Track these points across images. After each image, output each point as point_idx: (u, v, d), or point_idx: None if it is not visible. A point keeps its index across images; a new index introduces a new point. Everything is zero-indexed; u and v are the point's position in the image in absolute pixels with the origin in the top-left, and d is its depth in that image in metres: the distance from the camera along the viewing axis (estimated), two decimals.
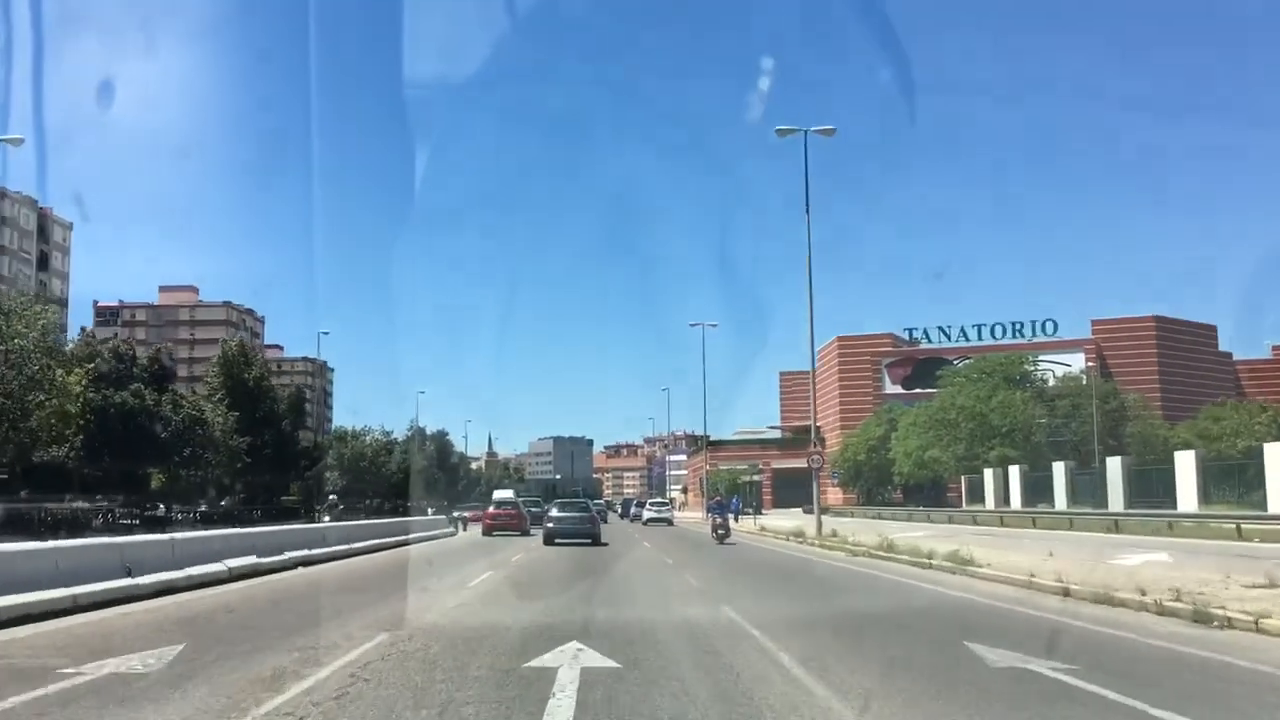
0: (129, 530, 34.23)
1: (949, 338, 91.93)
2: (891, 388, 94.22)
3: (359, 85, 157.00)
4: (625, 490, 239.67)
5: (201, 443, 52.20)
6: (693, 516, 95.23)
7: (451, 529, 43.55)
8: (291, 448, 66.11)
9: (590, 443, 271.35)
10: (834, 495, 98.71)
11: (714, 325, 72.68)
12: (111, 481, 48.25)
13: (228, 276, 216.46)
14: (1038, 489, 52.58)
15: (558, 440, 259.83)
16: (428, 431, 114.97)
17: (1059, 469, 50.55)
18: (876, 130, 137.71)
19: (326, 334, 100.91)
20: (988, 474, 58.21)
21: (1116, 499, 43.27)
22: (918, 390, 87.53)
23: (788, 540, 32.38)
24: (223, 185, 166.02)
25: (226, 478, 60.16)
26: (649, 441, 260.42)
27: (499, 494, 53.23)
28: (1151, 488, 43.20)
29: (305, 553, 21.51)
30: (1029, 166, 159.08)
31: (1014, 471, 54.80)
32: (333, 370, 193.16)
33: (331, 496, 73.40)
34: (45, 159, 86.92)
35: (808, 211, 31.89)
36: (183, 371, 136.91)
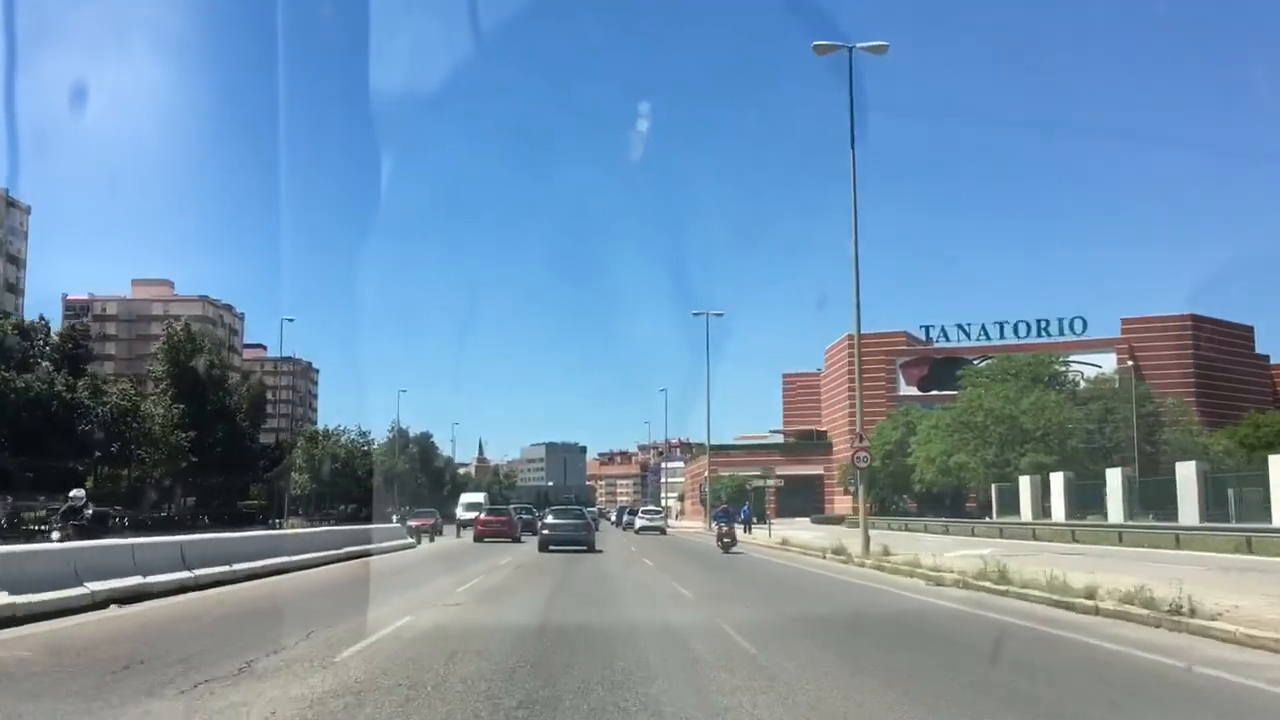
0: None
1: (968, 336, 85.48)
2: (907, 389, 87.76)
3: (327, 98, 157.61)
4: (619, 498, 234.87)
5: (135, 438, 45.68)
6: (692, 526, 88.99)
7: (412, 540, 37.07)
8: (247, 446, 59.56)
9: (583, 450, 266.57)
10: (842, 503, 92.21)
11: (719, 314, 66.79)
12: (24, 481, 41.70)
13: (199, 282, 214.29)
14: (1084, 498, 46.23)
15: (550, 446, 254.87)
16: (410, 433, 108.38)
17: (1114, 476, 44.16)
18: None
19: (291, 320, 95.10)
20: (1023, 482, 51.77)
21: (1190, 511, 36.87)
22: (934, 392, 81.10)
23: (825, 558, 25.92)
24: (196, 191, 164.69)
25: (169, 478, 53.57)
26: (643, 449, 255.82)
27: (467, 498, 46.81)
28: (1223, 497, 36.95)
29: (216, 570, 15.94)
30: (1043, 159, 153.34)
31: (1056, 479, 48.39)
32: (318, 371, 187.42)
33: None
34: (18, 160, 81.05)
35: (853, 146, 25.61)
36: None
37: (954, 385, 77.07)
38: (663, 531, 56.25)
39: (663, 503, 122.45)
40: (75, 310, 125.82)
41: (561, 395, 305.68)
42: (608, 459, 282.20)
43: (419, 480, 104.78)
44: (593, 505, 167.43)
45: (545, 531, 32.17)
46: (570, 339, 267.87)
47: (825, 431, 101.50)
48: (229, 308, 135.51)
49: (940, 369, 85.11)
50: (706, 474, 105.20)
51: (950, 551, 21.01)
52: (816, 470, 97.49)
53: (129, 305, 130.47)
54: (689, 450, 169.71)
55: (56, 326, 58.78)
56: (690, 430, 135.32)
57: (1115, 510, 42.49)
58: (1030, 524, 46.02)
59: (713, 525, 38.24)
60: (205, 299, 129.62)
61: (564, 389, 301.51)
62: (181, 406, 50.85)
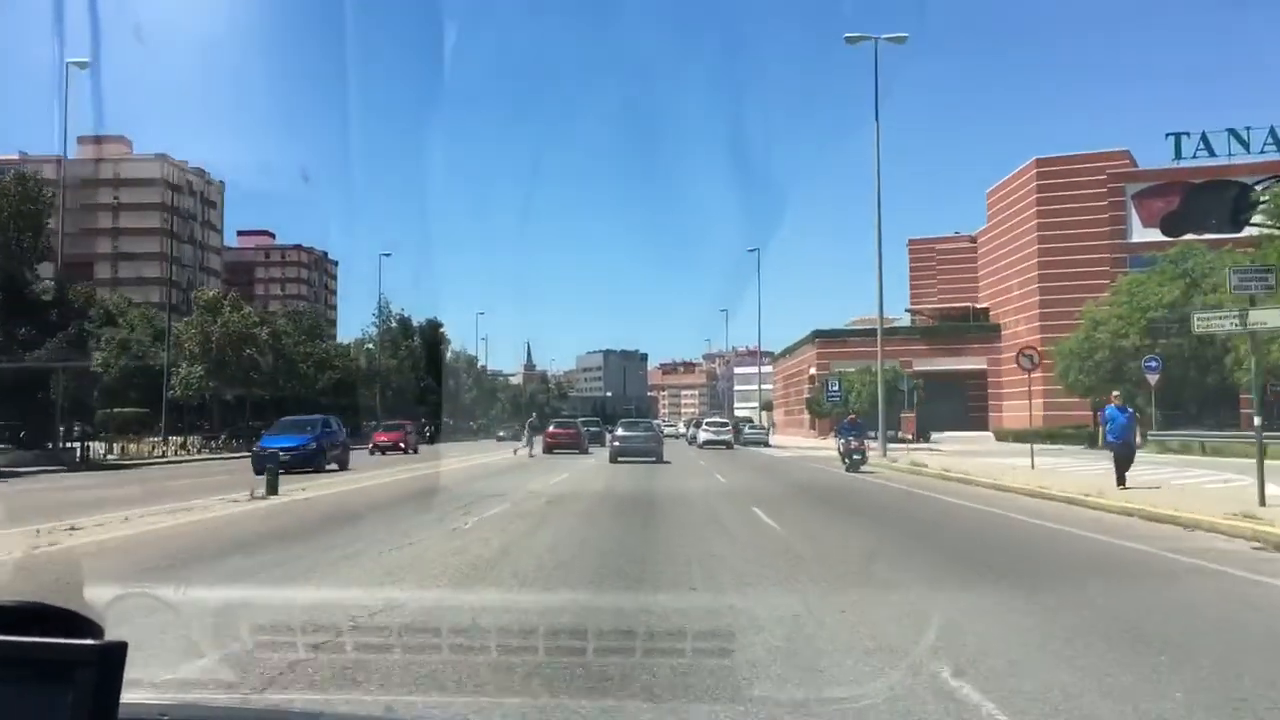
0: None
1: (1246, 147, 54.16)
2: (1144, 233, 57.12)
3: None
4: (684, 409, 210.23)
5: None
6: (796, 442, 61.38)
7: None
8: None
9: (644, 357, 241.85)
10: (1014, 414, 62.98)
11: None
12: None
13: (259, 163, 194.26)
14: None
15: (608, 354, 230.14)
16: (411, 321, 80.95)
17: None
18: None
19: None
20: None
21: None
22: (1192, 238, 50.17)
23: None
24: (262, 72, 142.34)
25: None
26: (708, 358, 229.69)
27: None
28: None
29: None
30: None
31: None
32: (335, 264, 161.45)
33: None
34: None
35: None
36: (104, 247, 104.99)
37: (1232, 221, 46.82)
38: (729, 446, 48.42)
39: (733, 413, 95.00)
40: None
41: (621, 301, 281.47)
42: (670, 368, 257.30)
43: (421, 382, 77.71)
44: (654, 417, 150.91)
45: (616, 444, 32.57)
46: (632, 232, 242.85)
47: (986, 310, 71.43)
48: (201, 172, 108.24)
49: (1202, 199, 54.32)
50: (812, 369, 76.23)
51: None
52: (972, 365, 67.97)
53: (71, 166, 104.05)
54: (755, 357, 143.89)
55: None
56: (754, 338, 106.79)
57: None
58: None
59: (839, 441, 28.11)
60: (164, 157, 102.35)
61: (624, 294, 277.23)
62: None
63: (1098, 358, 44.70)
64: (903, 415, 51.99)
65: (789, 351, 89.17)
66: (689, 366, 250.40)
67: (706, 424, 55.53)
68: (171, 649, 5.19)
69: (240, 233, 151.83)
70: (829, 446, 46.83)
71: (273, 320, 52.96)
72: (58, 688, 1.20)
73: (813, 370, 75.99)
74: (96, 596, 6.36)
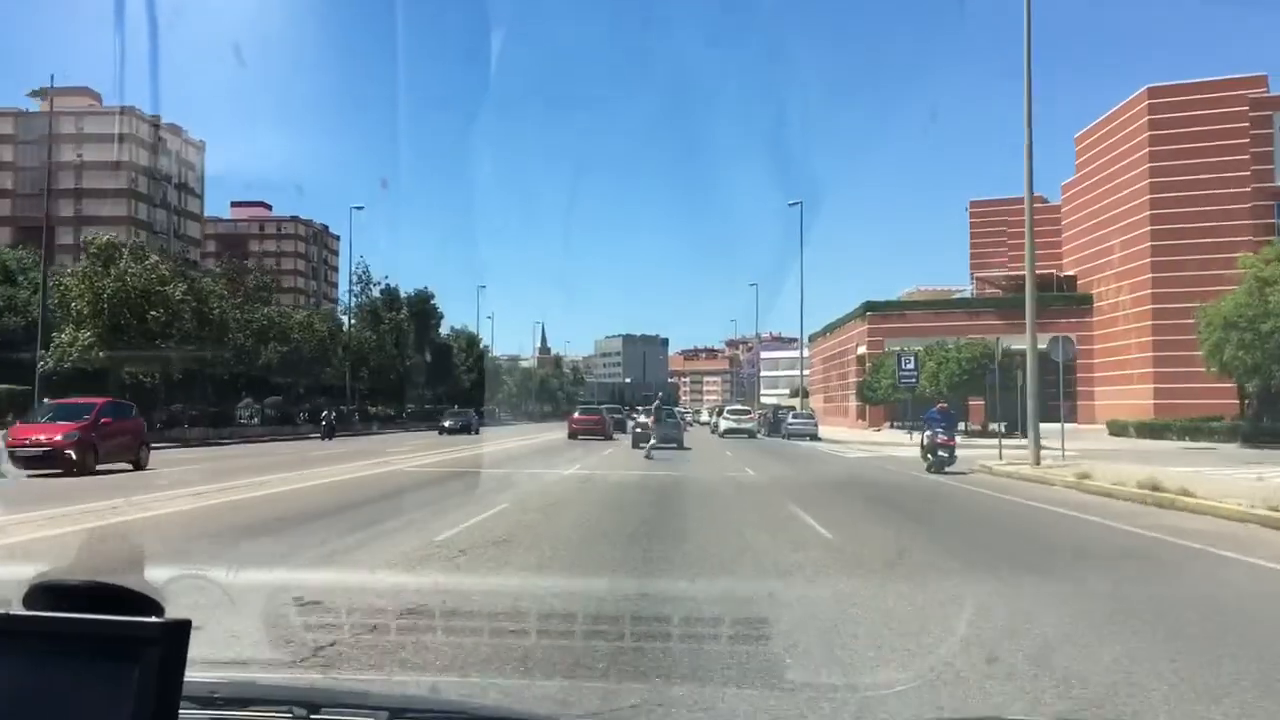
0: None
1: None
2: None
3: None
4: (706, 397, 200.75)
5: None
6: (845, 434, 50.22)
7: None
8: None
9: (665, 342, 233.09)
10: (1112, 401, 51.90)
11: None
12: None
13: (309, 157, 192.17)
14: None
15: (627, 339, 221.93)
16: (399, 292, 70.60)
17: None
18: None
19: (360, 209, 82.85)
20: None
21: None
22: None
23: None
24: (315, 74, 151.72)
25: None
26: (731, 344, 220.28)
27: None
28: None
29: None
30: None
31: None
32: (337, 238, 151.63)
33: None
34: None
35: None
36: (67, 210, 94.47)
37: None
38: (752, 435, 46.89)
39: (758, 400, 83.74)
40: None
41: (643, 287, 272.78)
42: (692, 354, 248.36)
43: (407, 359, 67.42)
44: (676, 404, 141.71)
45: (638, 430, 31.83)
46: (660, 221, 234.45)
47: (1072, 277, 60.05)
48: (177, 129, 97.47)
49: None
50: (862, 348, 65.00)
51: None
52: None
53: (26, 121, 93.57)
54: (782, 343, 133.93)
55: None
56: (785, 324, 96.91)
57: None
58: None
59: (925, 434, 22.24)
60: (132, 110, 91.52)
61: (646, 280, 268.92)
62: None
63: (1266, 327, 33.44)
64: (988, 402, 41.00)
65: (831, 330, 77.64)
66: (711, 353, 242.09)
67: (728, 412, 53.07)
68: (219, 627, 5.20)
69: (234, 203, 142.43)
70: (894, 441, 36.17)
71: (193, 276, 42.27)
72: (125, 664, 1.22)
73: (862, 349, 64.74)
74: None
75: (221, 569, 7.12)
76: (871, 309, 64.13)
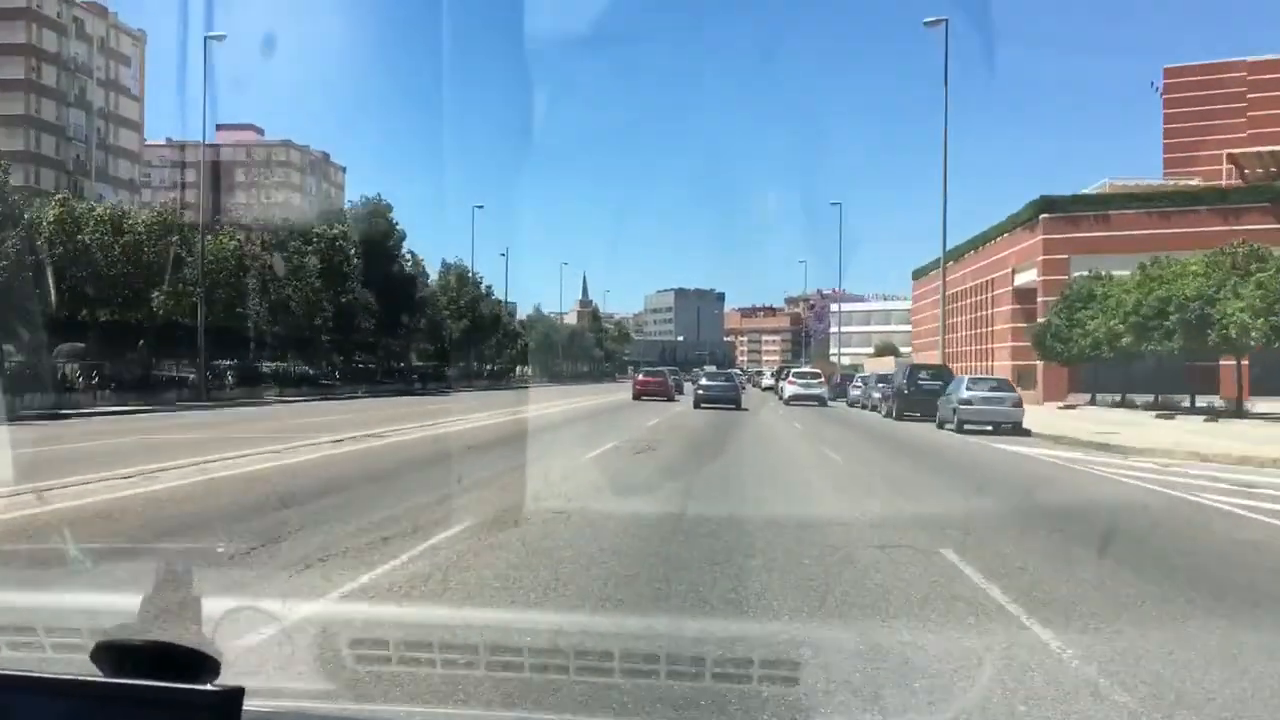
0: None
1: None
2: None
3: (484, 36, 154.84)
4: (765, 358, 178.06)
5: None
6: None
7: None
8: None
9: (721, 297, 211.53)
10: None
11: None
12: None
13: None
14: None
15: (679, 293, 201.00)
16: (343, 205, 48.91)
17: None
18: None
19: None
20: None
21: None
22: None
23: None
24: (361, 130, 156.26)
25: None
26: (791, 301, 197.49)
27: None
28: None
29: None
30: None
31: None
32: (344, 170, 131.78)
33: None
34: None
35: None
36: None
37: None
38: (823, 403, 39.29)
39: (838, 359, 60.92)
40: None
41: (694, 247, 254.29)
42: (749, 312, 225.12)
43: (342, 298, 45.86)
44: (733, 365, 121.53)
45: (699, 391, 34.83)
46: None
47: None
48: (100, 9, 76.04)
49: None
50: (1029, 274, 41.80)
51: None
52: None
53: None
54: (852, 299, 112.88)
55: None
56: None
57: None
58: None
59: None
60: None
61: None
62: None
63: None
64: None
65: (958, 255, 53.06)
66: (770, 311, 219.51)
67: (794, 375, 44.30)
68: (270, 658, 5.01)
69: (220, 126, 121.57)
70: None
71: None
72: None
73: (1029, 275, 41.54)
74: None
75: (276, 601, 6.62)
76: (1050, 208, 40.46)
